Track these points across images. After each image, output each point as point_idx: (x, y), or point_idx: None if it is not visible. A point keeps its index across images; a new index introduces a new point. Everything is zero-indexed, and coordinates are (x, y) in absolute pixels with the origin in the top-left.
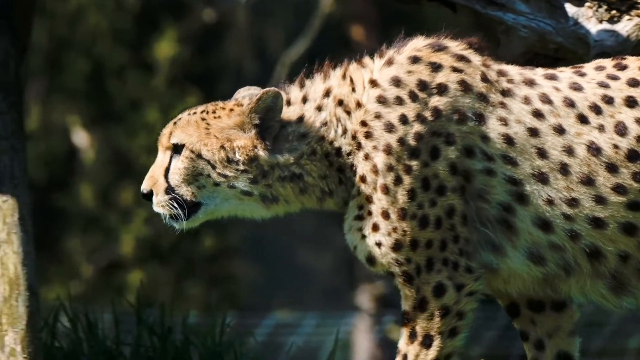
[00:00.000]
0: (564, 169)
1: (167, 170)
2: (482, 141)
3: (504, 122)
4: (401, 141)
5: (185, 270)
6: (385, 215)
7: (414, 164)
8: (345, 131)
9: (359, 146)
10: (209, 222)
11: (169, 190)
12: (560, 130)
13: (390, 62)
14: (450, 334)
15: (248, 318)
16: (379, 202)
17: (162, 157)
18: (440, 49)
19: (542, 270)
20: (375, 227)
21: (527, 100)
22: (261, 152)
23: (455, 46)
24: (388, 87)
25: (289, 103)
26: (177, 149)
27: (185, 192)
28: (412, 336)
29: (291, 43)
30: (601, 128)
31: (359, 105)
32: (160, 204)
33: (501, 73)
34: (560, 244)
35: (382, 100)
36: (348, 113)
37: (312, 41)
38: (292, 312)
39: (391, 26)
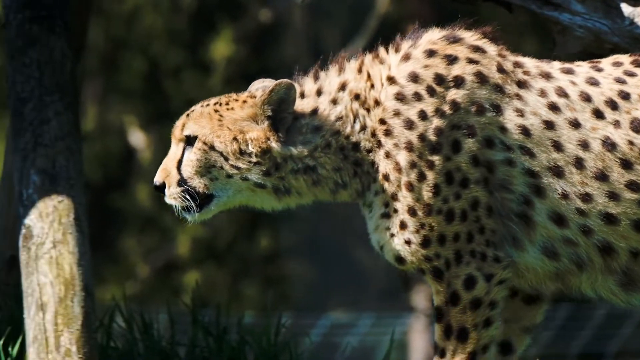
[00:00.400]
0: (579, 163)
1: (179, 162)
2: (501, 132)
3: (520, 113)
4: (422, 137)
5: (241, 271)
6: (412, 212)
7: (436, 158)
8: (364, 127)
9: (379, 144)
10: (264, 223)
11: (182, 182)
12: (575, 124)
13: (407, 58)
14: (484, 325)
15: (303, 318)
16: (405, 199)
17: (175, 149)
18: (456, 40)
19: (556, 265)
20: (403, 225)
21: (543, 93)
22: (274, 144)
23: (470, 37)
24: (406, 84)
25: (302, 95)
26: (190, 141)
27: (198, 184)
28: (448, 331)
29: (347, 43)
30: (617, 124)
31: (377, 102)
32: (172, 196)
33: (517, 64)
34: (574, 239)
35: (400, 98)
36: (367, 110)
37: (368, 41)
38: (348, 313)
39: (447, 26)
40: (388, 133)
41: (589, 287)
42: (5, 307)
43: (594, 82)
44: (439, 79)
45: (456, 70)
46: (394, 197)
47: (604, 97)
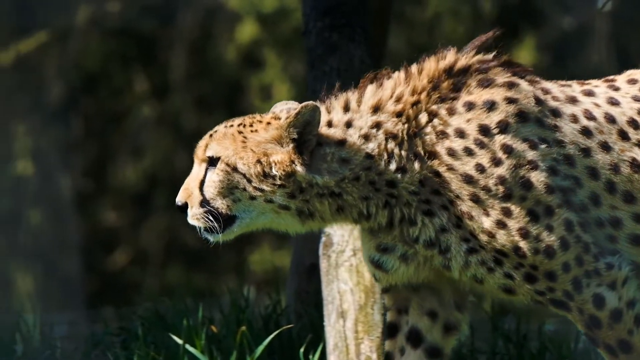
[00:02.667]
0: (612, 188)
1: (202, 182)
2: (556, 162)
3: (562, 144)
4: (486, 189)
5: None
6: (503, 254)
7: (511, 204)
8: (403, 170)
9: (437, 192)
10: None
11: (204, 203)
12: (606, 148)
13: (452, 112)
14: (637, 324)
15: None
16: (488, 245)
17: (198, 169)
18: (489, 84)
19: None
20: (498, 261)
21: (575, 119)
22: (299, 168)
23: (501, 73)
24: (455, 139)
25: (330, 124)
26: (212, 161)
27: (221, 205)
28: (611, 351)
29: None
30: None
31: (433, 155)
32: (195, 217)
33: (545, 91)
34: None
35: (451, 153)
36: (418, 157)
37: None
38: None
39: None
40: (446, 186)
41: None
42: (305, 314)
43: (614, 102)
44: (484, 130)
45: (497, 115)
46: (472, 234)
47: (626, 117)
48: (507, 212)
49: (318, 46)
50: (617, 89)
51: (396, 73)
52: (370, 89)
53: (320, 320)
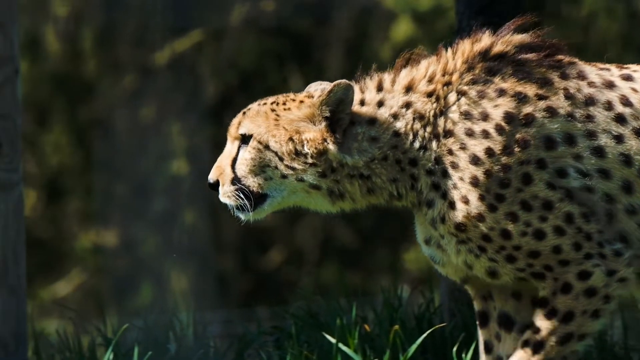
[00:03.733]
0: None
1: (234, 160)
2: (576, 160)
3: (593, 135)
4: (488, 173)
5: None
6: (487, 238)
7: (506, 192)
8: (424, 148)
9: (445, 173)
10: None
11: (236, 180)
12: None
13: (482, 95)
14: (593, 315)
15: None
16: (475, 229)
17: (230, 147)
18: (524, 77)
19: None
20: (482, 249)
21: (609, 106)
22: (331, 146)
23: (536, 67)
24: (477, 121)
25: (362, 103)
26: (245, 139)
27: (252, 183)
28: (551, 313)
29: None
30: None
31: (449, 133)
32: (226, 194)
33: (581, 76)
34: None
35: (469, 133)
36: (434, 135)
37: None
38: None
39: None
40: (454, 166)
41: None
42: (458, 313)
43: None
44: (509, 117)
45: (527, 108)
46: (465, 225)
47: None
48: (499, 198)
49: None
50: None
51: (431, 56)
52: (405, 69)
53: (473, 319)
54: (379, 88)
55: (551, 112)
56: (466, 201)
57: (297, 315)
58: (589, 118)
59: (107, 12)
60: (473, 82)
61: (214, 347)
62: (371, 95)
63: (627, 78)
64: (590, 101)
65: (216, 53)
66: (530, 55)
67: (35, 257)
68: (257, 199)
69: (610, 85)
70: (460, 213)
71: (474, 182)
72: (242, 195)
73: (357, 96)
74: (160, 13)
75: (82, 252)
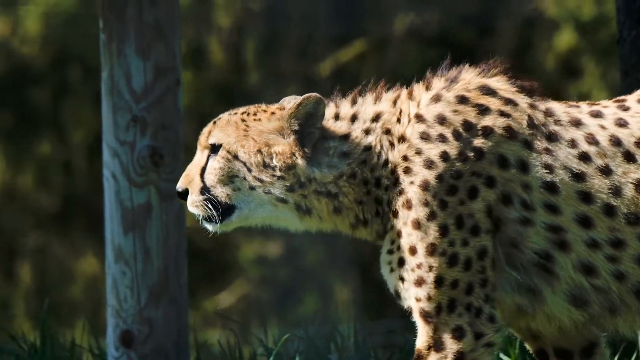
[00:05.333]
0: (610, 211)
1: (203, 169)
2: (523, 190)
3: (549, 169)
4: (440, 177)
5: None
6: (413, 251)
7: (450, 200)
8: (386, 163)
9: (396, 181)
10: None
11: (204, 190)
12: (607, 172)
13: (437, 99)
14: None
15: None
16: (408, 237)
17: (200, 156)
18: (489, 92)
19: (584, 313)
20: (401, 262)
21: (573, 144)
22: (299, 161)
23: (505, 90)
24: (432, 124)
25: (337, 117)
26: (214, 149)
27: (220, 193)
28: None
29: None
30: None
31: (402, 138)
32: (194, 204)
33: (548, 113)
34: (605, 287)
35: (425, 137)
36: (391, 145)
37: None
38: None
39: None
40: (407, 170)
41: (628, 328)
42: None
43: (622, 124)
44: (468, 125)
45: (486, 121)
46: (399, 234)
47: (633, 139)
48: (442, 206)
49: (632, 54)
50: (626, 108)
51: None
52: (378, 88)
53: None
54: (354, 102)
55: (511, 134)
56: (409, 206)
57: None
58: (548, 152)
59: (270, 23)
60: (427, 86)
61: (374, 357)
62: (346, 109)
63: (597, 115)
64: (552, 137)
65: (379, 63)
66: (497, 70)
67: (199, 267)
68: (225, 210)
69: (577, 123)
70: (401, 219)
71: (425, 186)
72: (210, 206)
73: (331, 110)
74: (324, 23)
75: (245, 263)
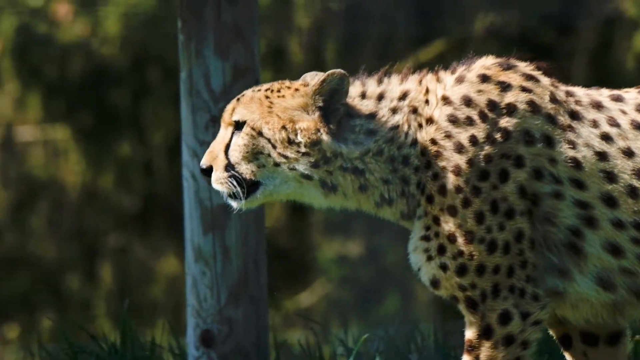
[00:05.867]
0: (634, 192)
1: (227, 146)
2: (550, 164)
3: (572, 145)
4: (471, 162)
5: None
6: (452, 238)
7: (483, 185)
8: (414, 142)
9: (428, 164)
10: None
11: (229, 167)
12: (629, 154)
13: (460, 80)
14: None
15: None
16: (446, 224)
17: (224, 133)
18: (509, 67)
19: (612, 296)
20: (442, 250)
21: (595, 124)
22: (324, 137)
23: (524, 66)
24: (459, 106)
25: (363, 96)
26: (238, 125)
27: (245, 170)
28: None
29: None
30: None
31: (430, 120)
32: (219, 181)
33: (569, 94)
34: (632, 269)
35: (453, 120)
36: (420, 125)
37: None
38: None
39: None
40: (438, 154)
41: None
42: None
43: None
44: (492, 105)
45: (509, 97)
46: (436, 220)
47: None
48: (476, 192)
49: None
50: None
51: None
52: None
53: None
54: (380, 81)
55: (534, 108)
56: (444, 192)
57: None
58: (571, 128)
59: (349, 23)
60: (452, 71)
61: (454, 356)
62: (372, 88)
63: (617, 99)
64: (575, 115)
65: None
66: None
67: (279, 267)
68: (249, 186)
69: (598, 105)
70: (437, 206)
71: (457, 171)
72: (234, 183)
73: (358, 89)
74: (404, 23)
75: (325, 263)
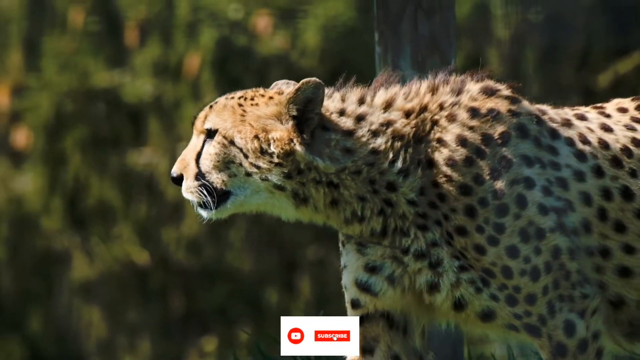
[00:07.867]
0: (603, 215)
1: (199, 155)
2: (550, 184)
3: (557, 167)
4: (482, 202)
5: None
6: (490, 273)
7: (505, 220)
8: (406, 174)
9: (433, 205)
10: None
11: (199, 176)
12: (599, 173)
13: (452, 119)
14: (597, 357)
15: None
16: (479, 262)
17: (196, 141)
18: (493, 92)
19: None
20: (485, 282)
21: (570, 142)
22: (298, 147)
23: (504, 88)
24: (455, 148)
25: (342, 113)
26: (210, 134)
27: (216, 179)
28: None
29: None
30: (633, 173)
31: (430, 163)
32: (189, 190)
33: (542, 112)
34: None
35: (451, 164)
36: (418, 163)
37: None
38: None
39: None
40: (443, 198)
41: None
42: None
43: (607, 129)
44: (487, 139)
45: (501, 126)
46: (466, 253)
47: (619, 145)
48: (500, 229)
49: None
50: (608, 115)
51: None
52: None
53: None
54: (361, 101)
55: (523, 132)
56: (464, 233)
57: None
58: (553, 150)
59: (548, 34)
60: (440, 107)
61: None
62: (352, 108)
63: (582, 118)
64: (554, 134)
65: None
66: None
67: None
68: (220, 196)
69: (568, 123)
70: (461, 242)
71: (470, 212)
72: (205, 192)
73: (337, 104)
74: (603, 34)
75: None
